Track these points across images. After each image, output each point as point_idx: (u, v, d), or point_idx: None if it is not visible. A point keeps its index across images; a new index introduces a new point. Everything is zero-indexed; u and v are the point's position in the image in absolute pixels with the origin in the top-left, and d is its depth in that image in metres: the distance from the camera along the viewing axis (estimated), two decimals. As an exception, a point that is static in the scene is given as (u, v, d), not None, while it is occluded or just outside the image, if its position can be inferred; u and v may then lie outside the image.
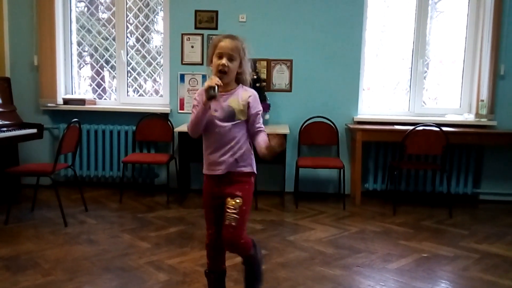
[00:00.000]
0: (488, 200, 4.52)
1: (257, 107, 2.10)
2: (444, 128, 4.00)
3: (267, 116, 4.44)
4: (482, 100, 4.37)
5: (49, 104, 4.55)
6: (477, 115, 4.41)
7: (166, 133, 4.53)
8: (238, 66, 2.04)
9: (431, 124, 4.01)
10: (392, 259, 2.94)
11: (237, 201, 2.03)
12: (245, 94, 2.08)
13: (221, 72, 2.00)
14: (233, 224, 2.01)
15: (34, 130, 4.20)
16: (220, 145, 2.06)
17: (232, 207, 2.02)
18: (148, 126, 4.55)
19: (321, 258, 2.95)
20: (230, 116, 2.04)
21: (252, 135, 2.11)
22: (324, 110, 4.54)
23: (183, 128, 4.24)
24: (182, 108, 4.63)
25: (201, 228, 3.46)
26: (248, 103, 2.07)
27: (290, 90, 4.57)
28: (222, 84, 1.98)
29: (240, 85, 2.11)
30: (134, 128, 4.58)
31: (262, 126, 2.12)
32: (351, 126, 4.42)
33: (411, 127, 3.98)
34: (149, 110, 4.62)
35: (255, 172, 2.15)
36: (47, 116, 4.68)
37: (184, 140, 4.19)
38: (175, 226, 3.53)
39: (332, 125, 4.50)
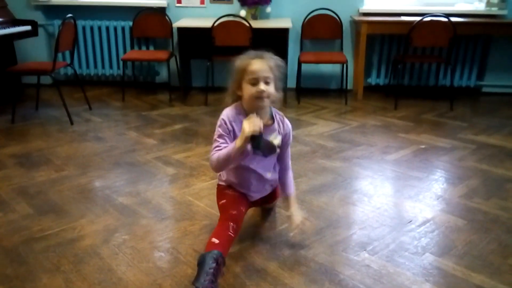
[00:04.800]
0: (490, 93, 4.53)
1: (291, 137, 1.95)
2: (453, 19, 3.84)
3: (268, 9, 4.25)
4: (495, -12, 4.14)
5: (40, -1, 4.34)
6: (488, 3, 4.21)
7: (164, 29, 4.38)
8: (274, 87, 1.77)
9: (440, 14, 3.84)
10: (391, 151, 3.05)
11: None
12: (285, 127, 1.89)
13: (261, 98, 1.72)
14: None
15: (29, 27, 4.06)
16: (256, 182, 1.92)
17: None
18: (145, 22, 4.39)
19: (322, 151, 3.05)
20: (273, 153, 1.87)
21: (280, 168, 1.97)
22: (328, 1, 4.32)
23: (182, 23, 4.09)
24: (179, 1, 4.41)
25: (204, 125, 3.53)
26: (285, 134, 1.89)
27: (292, -20, 4.31)
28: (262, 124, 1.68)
29: (273, 111, 1.86)
30: (130, 23, 4.42)
31: (289, 160, 2.00)
32: (356, 18, 4.24)
33: (418, 18, 3.82)
34: (144, 4, 4.41)
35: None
36: (40, 12, 4.49)
37: (184, 37, 4.07)
38: (179, 123, 3.60)
39: (336, 17, 4.32)
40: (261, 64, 1.73)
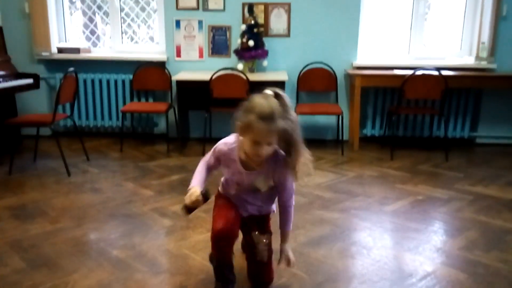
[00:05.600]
0: (484, 144, 4.59)
1: (285, 179, 1.83)
2: (444, 72, 3.97)
3: (265, 63, 4.39)
4: (483, 43, 4.31)
5: (43, 53, 4.47)
6: (477, 58, 4.36)
7: (163, 81, 4.49)
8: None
9: (431, 68, 3.97)
10: (388, 202, 3.04)
11: (267, 236, 1.97)
12: (277, 169, 1.79)
13: (259, 160, 1.72)
14: (265, 261, 1.94)
15: (30, 80, 4.16)
16: (246, 203, 1.94)
17: (263, 244, 1.93)
18: (145, 75, 4.51)
19: (319, 202, 3.04)
20: (255, 191, 1.87)
21: (279, 205, 1.94)
22: (322, 55, 4.47)
23: (181, 76, 4.20)
24: (179, 55, 4.56)
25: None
26: (277, 181, 1.84)
27: (288, 35, 4.48)
28: (201, 197, 1.76)
29: (274, 158, 1.77)
30: (131, 77, 4.53)
31: (290, 201, 1.91)
32: (350, 71, 4.38)
33: (410, 72, 3.95)
34: (145, 58, 4.55)
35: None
36: (42, 65, 4.61)
37: (183, 89, 4.16)
38: (177, 174, 3.60)
39: (331, 71, 4.46)
40: (267, 128, 1.60)
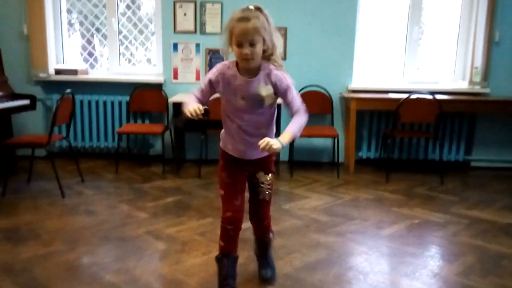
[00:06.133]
0: (479, 167, 4.61)
1: (285, 84, 1.93)
2: (438, 96, 4.01)
3: (261, 85, 4.42)
4: (476, 67, 4.38)
5: (41, 75, 4.49)
6: (471, 82, 4.42)
7: (160, 103, 4.51)
8: (262, 44, 1.85)
9: (425, 92, 4.02)
10: (385, 226, 3.03)
11: (271, 176, 2.08)
12: (273, 78, 1.91)
13: (247, 60, 1.84)
14: (267, 199, 2.09)
15: (27, 101, 4.16)
16: (247, 135, 1.98)
17: (266, 182, 2.06)
18: (142, 97, 4.53)
19: (315, 225, 3.02)
20: (259, 104, 1.94)
21: (290, 115, 1.99)
22: (318, 79, 4.52)
23: (178, 98, 4.22)
24: (176, 77, 4.59)
25: (197, 198, 3.51)
26: (275, 84, 1.91)
27: (284, 59, 4.53)
28: (203, 111, 1.86)
29: (263, 65, 1.91)
30: (127, 98, 4.55)
31: (296, 103, 1.96)
32: (345, 95, 4.42)
33: (405, 95, 3.99)
34: (142, 80, 4.58)
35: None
36: (39, 86, 4.62)
37: (179, 111, 4.18)
38: (172, 196, 3.58)
39: (326, 94, 4.50)
40: (245, 26, 1.79)
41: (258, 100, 1.93)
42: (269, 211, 2.17)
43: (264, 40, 1.84)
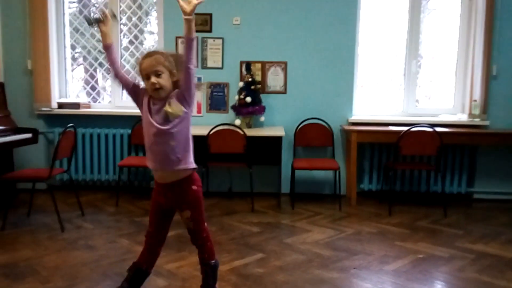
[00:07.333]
0: (482, 199, 4.57)
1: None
2: (438, 129, 4.03)
3: (262, 118, 4.46)
4: (475, 100, 4.42)
5: (43, 109, 4.53)
6: (470, 115, 4.45)
7: (161, 136, 4.52)
8: (169, 76, 2.10)
9: (425, 124, 4.04)
10: (389, 261, 2.98)
11: (186, 213, 2.26)
12: (175, 95, 2.14)
13: (157, 90, 2.08)
14: (192, 228, 2.29)
15: (29, 135, 4.18)
16: (160, 154, 2.22)
17: (185, 218, 2.28)
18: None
19: (318, 260, 2.97)
20: (166, 119, 2.14)
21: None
22: (319, 111, 4.56)
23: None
24: (177, 110, 4.62)
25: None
26: (177, 93, 2.13)
27: (285, 92, 4.58)
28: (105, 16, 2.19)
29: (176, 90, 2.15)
30: (129, 131, 4.57)
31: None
32: (346, 127, 4.44)
33: (405, 128, 4.01)
34: (144, 113, 4.60)
35: (195, 166, 2.24)
36: (42, 120, 4.66)
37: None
38: (172, 230, 3.48)
39: (327, 126, 4.53)
40: (148, 60, 2.07)
41: (169, 114, 2.14)
42: (202, 233, 2.33)
43: (171, 72, 2.09)
